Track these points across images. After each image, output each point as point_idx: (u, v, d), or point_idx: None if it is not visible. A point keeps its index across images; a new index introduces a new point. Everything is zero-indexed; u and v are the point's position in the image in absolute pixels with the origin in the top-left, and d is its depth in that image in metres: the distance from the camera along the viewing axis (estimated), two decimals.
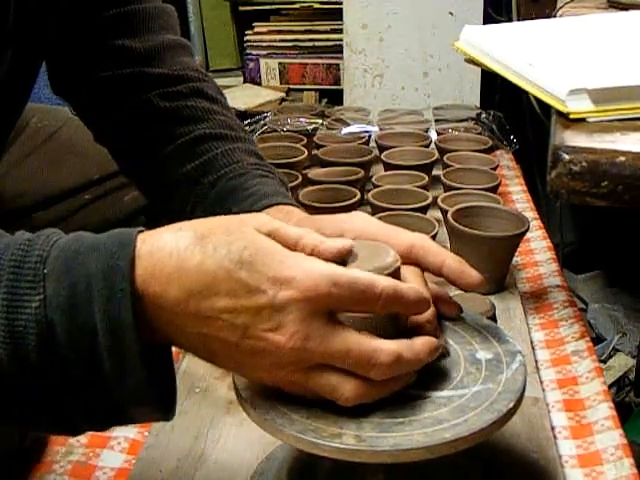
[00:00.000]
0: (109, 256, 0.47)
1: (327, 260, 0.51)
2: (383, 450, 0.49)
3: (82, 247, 0.47)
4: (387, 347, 0.50)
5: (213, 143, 0.80)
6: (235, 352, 0.49)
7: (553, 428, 0.72)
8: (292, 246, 0.51)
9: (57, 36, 0.81)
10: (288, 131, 1.34)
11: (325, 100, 2.04)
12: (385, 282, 0.50)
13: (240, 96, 1.99)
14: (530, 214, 1.14)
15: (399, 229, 0.63)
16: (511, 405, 0.52)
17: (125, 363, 0.46)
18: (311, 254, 0.51)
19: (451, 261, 0.58)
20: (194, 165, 0.79)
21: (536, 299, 0.95)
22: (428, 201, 1.05)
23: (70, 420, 0.49)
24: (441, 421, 0.51)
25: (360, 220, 0.64)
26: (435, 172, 1.22)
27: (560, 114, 0.70)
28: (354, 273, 0.50)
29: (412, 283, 0.56)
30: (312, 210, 0.98)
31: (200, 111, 0.82)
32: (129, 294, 0.46)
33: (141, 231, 0.49)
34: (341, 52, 1.88)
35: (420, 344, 0.52)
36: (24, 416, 0.49)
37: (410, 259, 0.59)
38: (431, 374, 0.56)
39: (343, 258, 0.53)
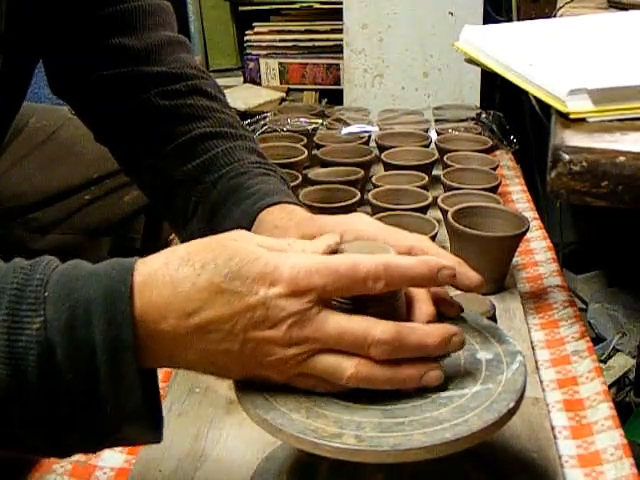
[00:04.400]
0: (109, 280, 0.48)
1: None
2: (383, 450, 0.49)
3: (81, 272, 0.49)
4: (382, 324, 0.51)
5: (214, 141, 0.80)
6: (240, 359, 0.51)
7: (553, 428, 0.72)
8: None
9: (53, 36, 0.81)
10: (288, 131, 1.34)
11: (325, 100, 2.04)
12: (371, 260, 0.51)
13: (240, 96, 1.99)
14: (530, 214, 1.14)
15: (399, 230, 0.63)
16: (511, 405, 0.52)
17: (123, 383, 0.48)
18: None
19: (450, 262, 0.58)
20: (195, 164, 0.79)
21: (536, 299, 0.95)
22: (428, 201, 1.05)
23: (64, 441, 0.50)
24: (441, 421, 0.51)
25: (360, 221, 0.64)
26: (435, 172, 1.22)
27: (560, 114, 0.70)
28: (335, 260, 0.51)
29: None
30: (312, 210, 0.98)
31: (200, 109, 0.82)
32: (129, 316, 0.47)
33: (135, 262, 0.51)
34: (341, 52, 1.88)
35: (428, 328, 0.53)
36: (19, 437, 0.49)
37: None
38: None
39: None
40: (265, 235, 0.60)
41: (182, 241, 0.80)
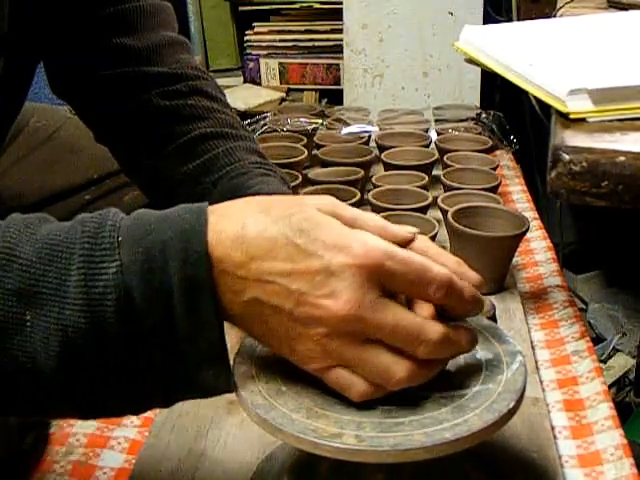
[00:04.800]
0: (183, 222, 0.48)
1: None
2: (383, 450, 0.49)
3: (153, 217, 0.49)
4: (436, 324, 0.51)
5: (214, 142, 0.80)
6: (288, 321, 0.49)
7: (553, 428, 0.72)
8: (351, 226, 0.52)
9: (54, 36, 0.81)
10: (288, 131, 1.34)
11: (325, 100, 2.04)
12: (441, 269, 0.51)
13: (240, 96, 1.99)
14: (530, 214, 1.14)
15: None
16: (511, 405, 0.52)
17: (201, 321, 0.47)
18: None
19: (450, 262, 0.58)
20: (195, 164, 0.79)
21: (536, 299, 0.95)
22: (428, 201, 1.05)
23: (144, 390, 0.49)
24: (441, 421, 0.51)
25: None
26: (435, 172, 1.22)
27: (560, 114, 0.70)
28: (411, 253, 0.50)
29: None
30: None
31: (200, 110, 0.82)
32: (205, 255, 0.47)
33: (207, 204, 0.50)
34: (341, 52, 1.88)
35: (462, 331, 0.53)
36: (98, 391, 0.49)
37: None
38: None
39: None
40: None
41: None
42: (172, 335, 0.48)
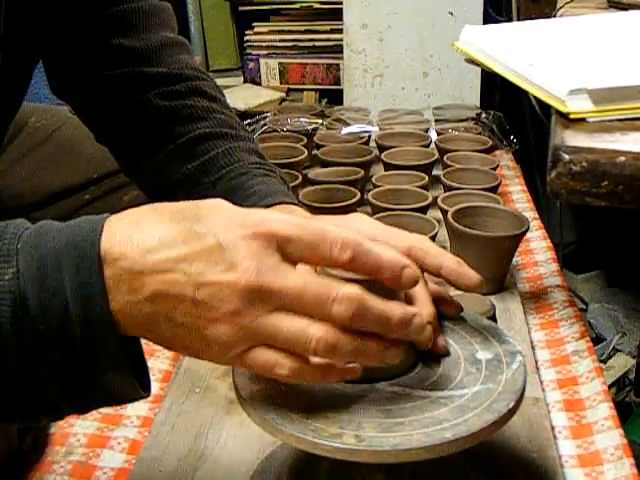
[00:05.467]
0: (79, 230, 0.48)
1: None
2: (383, 450, 0.49)
3: (54, 227, 0.49)
4: (347, 284, 0.49)
5: (214, 142, 0.80)
6: (194, 308, 0.48)
7: (553, 428, 0.72)
8: None
9: (52, 36, 0.81)
10: (288, 131, 1.34)
11: (325, 100, 2.04)
12: (344, 232, 0.49)
13: (240, 96, 1.99)
14: (530, 214, 1.14)
15: (398, 230, 0.63)
16: (511, 405, 0.52)
17: (96, 329, 0.47)
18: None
19: (450, 262, 0.58)
20: (195, 165, 0.79)
21: (536, 299, 0.95)
22: (428, 201, 1.05)
23: (49, 399, 0.49)
24: (441, 421, 0.51)
25: (359, 221, 0.64)
26: (435, 172, 1.22)
27: (560, 114, 0.70)
28: (307, 220, 0.50)
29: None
30: (312, 210, 0.98)
31: (200, 110, 0.82)
32: (97, 260, 0.47)
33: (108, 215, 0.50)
34: (341, 52, 1.88)
35: (391, 304, 0.50)
36: (6, 399, 0.49)
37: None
38: (431, 374, 0.56)
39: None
40: None
41: None
42: (69, 341, 0.47)
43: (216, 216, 0.49)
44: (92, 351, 0.48)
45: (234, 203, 0.74)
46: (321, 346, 0.48)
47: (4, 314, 0.46)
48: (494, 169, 1.17)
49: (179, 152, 0.80)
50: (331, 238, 0.49)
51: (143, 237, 0.48)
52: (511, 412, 0.52)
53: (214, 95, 0.85)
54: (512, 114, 1.53)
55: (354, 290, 0.48)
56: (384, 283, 0.51)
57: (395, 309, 0.50)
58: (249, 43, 2.08)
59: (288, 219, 0.49)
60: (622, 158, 0.62)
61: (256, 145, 0.84)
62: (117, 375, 0.49)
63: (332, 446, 0.49)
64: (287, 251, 0.49)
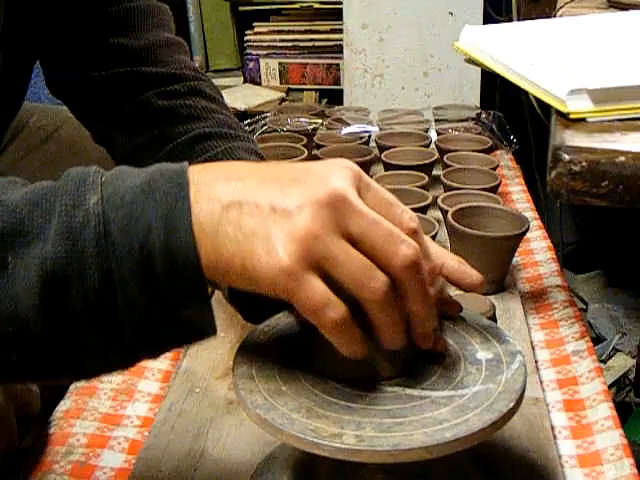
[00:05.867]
0: (167, 167, 0.49)
1: None
2: (383, 450, 0.49)
3: (137, 169, 0.50)
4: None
5: (213, 142, 0.80)
6: (270, 215, 0.48)
7: (553, 428, 0.72)
8: None
9: (51, 36, 0.81)
10: (288, 131, 1.34)
11: (325, 100, 2.04)
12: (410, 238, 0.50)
13: (240, 96, 1.99)
14: (530, 214, 1.13)
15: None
16: (511, 405, 0.52)
17: (178, 254, 0.47)
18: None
19: (451, 261, 0.58)
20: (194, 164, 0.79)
21: (536, 299, 0.95)
22: (428, 201, 1.05)
23: (123, 333, 0.48)
24: (441, 421, 0.51)
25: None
26: (435, 172, 1.22)
27: (560, 114, 0.70)
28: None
29: None
30: None
31: (199, 110, 0.82)
32: (185, 186, 0.48)
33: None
34: (341, 52, 1.88)
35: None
36: (82, 334, 0.47)
37: None
38: (431, 374, 0.56)
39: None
40: None
41: None
42: (150, 269, 0.47)
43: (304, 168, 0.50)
44: (172, 278, 0.47)
45: None
46: (381, 290, 0.48)
47: (87, 236, 0.46)
48: (494, 169, 1.17)
49: (178, 152, 0.80)
50: (398, 233, 0.50)
51: (234, 167, 0.51)
52: (511, 412, 0.52)
53: (213, 95, 0.85)
54: (512, 114, 1.53)
55: (416, 244, 0.50)
56: None
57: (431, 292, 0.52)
58: (249, 43, 2.09)
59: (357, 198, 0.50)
60: (622, 158, 0.62)
61: (255, 145, 0.84)
62: (195, 306, 0.48)
63: (332, 446, 0.49)
64: (352, 232, 0.49)
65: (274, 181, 0.49)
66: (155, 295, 0.47)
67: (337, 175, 0.50)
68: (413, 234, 0.51)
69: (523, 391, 0.54)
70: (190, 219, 0.47)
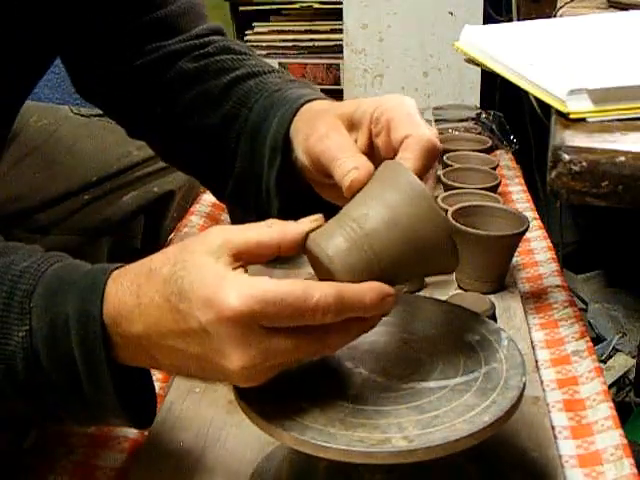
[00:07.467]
0: (82, 299, 0.53)
1: (297, 244, 0.53)
2: (437, 445, 0.49)
3: (61, 285, 0.54)
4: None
5: (247, 82, 0.78)
6: (199, 363, 0.53)
7: (553, 428, 0.72)
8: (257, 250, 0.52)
9: (84, 31, 0.80)
10: None
11: None
12: (323, 290, 0.49)
13: None
14: (530, 214, 1.13)
15: (420, 123, 0.60)
16: (524, 379, 0.54)
17: (101, 389, 0.53)
18: (280, 251, 0.53)
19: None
20: (232, 103, 0.77)
21: (536, 299, 0.95)
22: None
23: (57, 419, 0.58)
24: (472, 406, 0.52)
25: (392, 102, 0.63)
26: None
27: (560, 114, 0.70)
28: (285, 287, 0.48)
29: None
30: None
31: (230, 62, 0.80)
32: (100, 336, 0.52)
33: (113, 270, 0.54)
34: (341, 52, 1.88)
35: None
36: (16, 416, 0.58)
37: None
38: (435, 364, 0.57)
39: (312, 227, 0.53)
40: (305, 122, 0.64)
41: (228, 195, 0.79)
42: (77, 392, 0.54)
43: (192, 289, 0.50)
44: (98, 402, 0.54)
45: (273, 115, 0.71)
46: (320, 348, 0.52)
47: (18, 364, 0.53)
48: (494, 169, 1.17)
49: (214, 100, 0.78)
50: (311, 306, 0.48)
51: (142, 315, 0.52)
52: (524, 386, 0.54)
53: (243, 50, 0.83)
54: (512, 114, 1.53)
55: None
56: None
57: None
58: (249, 43, 2.08)
59: (261, 293, 0.48)
60: (622, 158, 0.62)
61: (288, 75, 0.81)
62: (120, 420, 0.56)
63: (386, 452, 0.49)
64: (270, 324, 0.49)
65: (184, 338, 0.51)
66: (84, 408, 0.56)
67: (232, 346, 0.50)
68: (334, 319, 0.50)
69: (524, 363, 0.57)
70: (109, 366, 0.53)
